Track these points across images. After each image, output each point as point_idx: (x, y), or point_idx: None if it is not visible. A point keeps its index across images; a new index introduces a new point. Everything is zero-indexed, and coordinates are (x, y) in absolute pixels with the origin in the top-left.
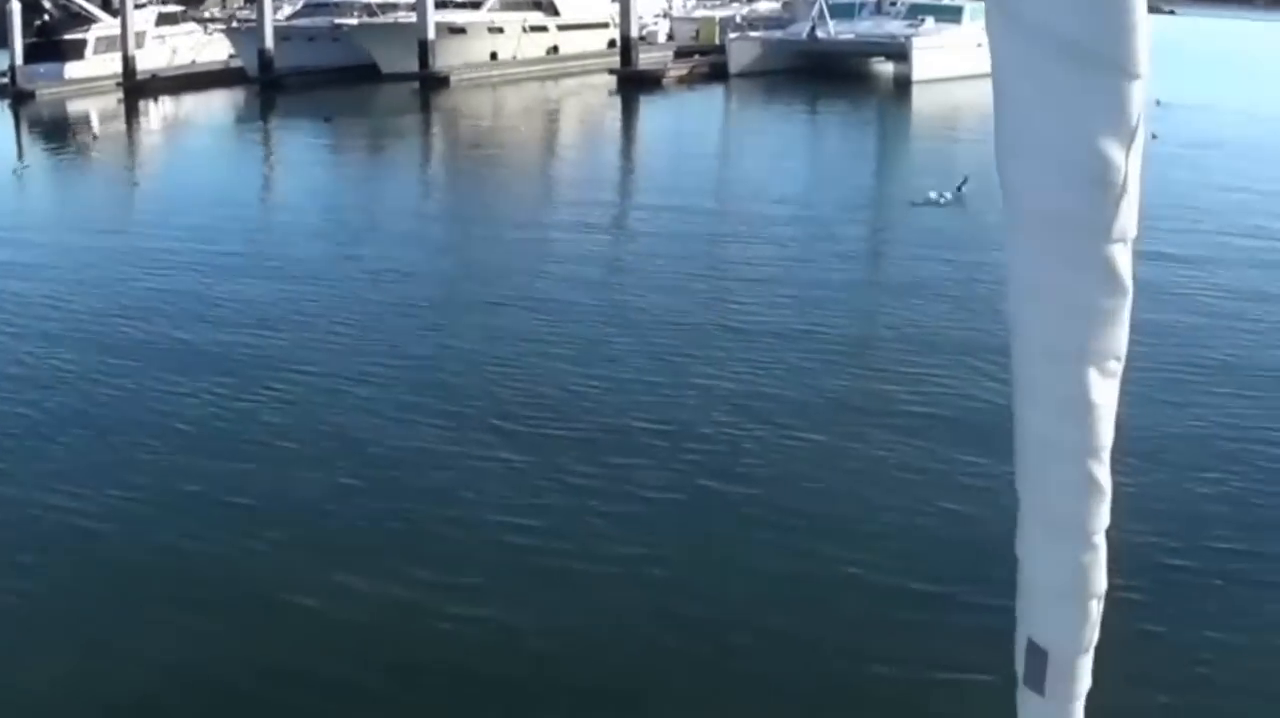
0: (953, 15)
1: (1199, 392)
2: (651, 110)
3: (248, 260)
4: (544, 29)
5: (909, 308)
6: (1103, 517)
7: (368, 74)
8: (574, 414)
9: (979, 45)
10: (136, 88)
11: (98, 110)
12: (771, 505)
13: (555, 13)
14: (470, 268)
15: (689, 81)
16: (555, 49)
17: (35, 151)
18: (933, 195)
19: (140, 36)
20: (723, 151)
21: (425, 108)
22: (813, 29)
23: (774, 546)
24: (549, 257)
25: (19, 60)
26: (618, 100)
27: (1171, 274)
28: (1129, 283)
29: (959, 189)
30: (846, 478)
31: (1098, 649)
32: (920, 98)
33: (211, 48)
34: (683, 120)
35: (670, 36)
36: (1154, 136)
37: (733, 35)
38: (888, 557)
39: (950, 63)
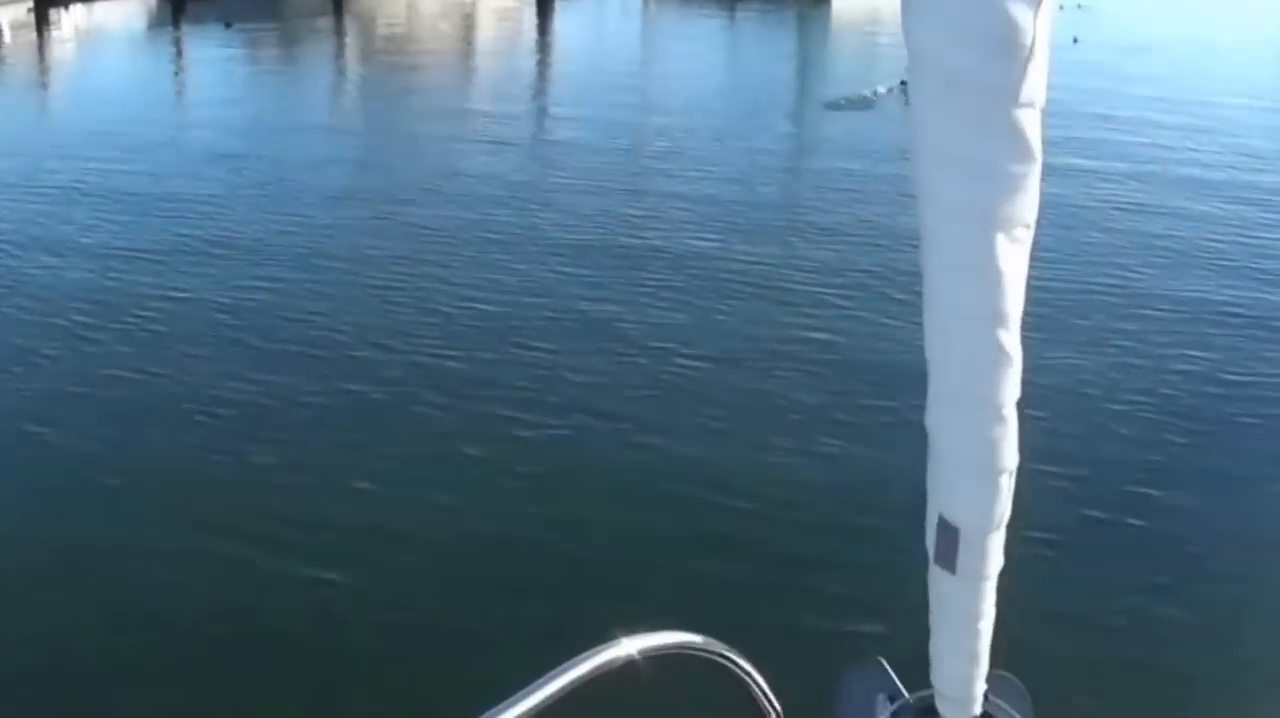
0: None
1: (1112, 316)
2: (567, 15)
3: (129, 180)
4: None
5: (817, 226)
6: (1011, 387)
7: None
8: (444, 348)
9: None
10: None
11: (8, 21)
12: (652, 450)
13: None
14: (362, 187)
15: None
16: None
17: None
18: (880, 90)
19: None
20: (639, 58)
21: (337, 11)
22: None
23: (650, 496)
24: (447, 173)
25: None
26: (533, 5)
27: (1084, 190)
28: (1038, 149)
29: (902, 84)
30: (735, 418)
31: (1008, 533)
32: (840, 1)
33: None
34: (599, 26)
35: None
36: (1075, 40)
37: None
38: (777, 507)
39: None
